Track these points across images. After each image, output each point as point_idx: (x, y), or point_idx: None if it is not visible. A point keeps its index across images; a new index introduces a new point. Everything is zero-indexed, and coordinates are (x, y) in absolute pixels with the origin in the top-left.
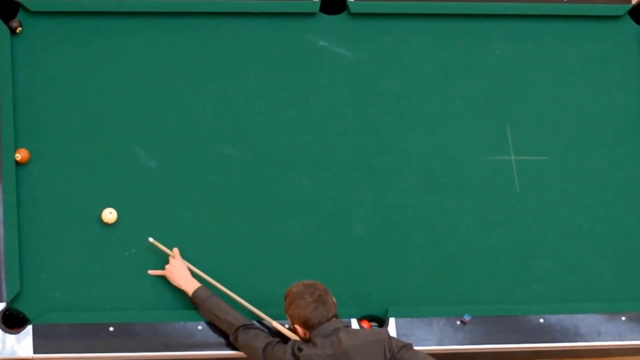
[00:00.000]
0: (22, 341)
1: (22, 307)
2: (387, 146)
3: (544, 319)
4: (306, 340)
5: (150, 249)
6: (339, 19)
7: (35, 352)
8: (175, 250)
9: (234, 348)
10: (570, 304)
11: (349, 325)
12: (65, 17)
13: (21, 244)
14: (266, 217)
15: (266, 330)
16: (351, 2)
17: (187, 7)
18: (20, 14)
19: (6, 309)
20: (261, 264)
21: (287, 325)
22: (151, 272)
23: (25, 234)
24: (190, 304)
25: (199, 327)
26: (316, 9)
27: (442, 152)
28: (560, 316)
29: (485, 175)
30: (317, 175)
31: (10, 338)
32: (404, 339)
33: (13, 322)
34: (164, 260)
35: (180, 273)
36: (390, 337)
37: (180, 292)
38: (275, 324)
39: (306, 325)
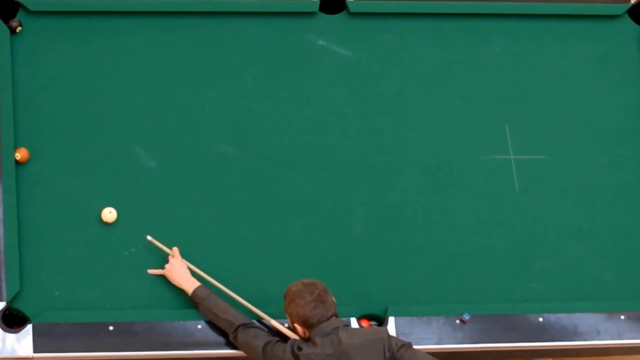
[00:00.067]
0: (22, 340)
1: (22, 306)
2: (386, 145)
3: (543, 318)
4: (306, 339)
5: (150, 249)
6: (339, 19)
7: (35, 351)
8: (175, 249)
9: (233, 347)
10: (570, 303)
11: (348, 324)
12: (65, 17)
13: (21, 244)
14: (266, 217)
15: (266, 329)
16: (350, 1)
17: (186, 6)
18: (20, 14)
19: (6, 308)
20: (261, 263)
21: (286, 324)
22: (151, 271)
23: (25, 234)
24: (190, 303)
25: (199, 326)
26: (315, 8)
27: (441, 152)
28: (560, 315)
29: (484, 174)
30: (316, 174)
31: (10, 337)
32: (403, 338)
33: (13, 321)
34: (163, 260)
35: (180, 272)
36: (389, 336)
37: (180, 291)
38: (275, 323)
39: (306, 324)
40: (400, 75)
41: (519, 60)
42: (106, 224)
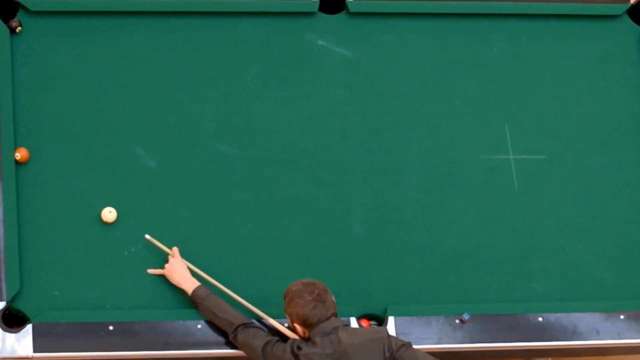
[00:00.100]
0: (22, 340)
1: (21, 306)
2: (386, 145)
3: (542, 317)
4: (305, 339)
5: (150, 248)
6: (338, 19)
7: (35, 351)
8: (175, 249)
9: (233, 347)
10: (569, 302)
11: (348, 324)
12: (64, 17)
13: (21, 243)
14: (265, 216)
15: (265, 329)
16: (350, 1)
17: (186, 6)
18: (20, 14)
19: (6, 308)
20: (260, 263)
21: (286, 324)
22: (150, 271)
23: (25, 233)
24: (190, 302)
25: (199, 326)
26: (315, 8)
27: (441, 151)
28: (559, 315)
29: (484, 174)
30: (316, 174)
31: (10, 337)
32: (403, 338)
33: (13, 321)
34: (163, 260)
35: (180, 272)
36: (389, 336)
37: (180, 291)
38: (275, 323)
39: (305, 323)
40: (400, 75)
41: (519, 60)
42: (106, 223)
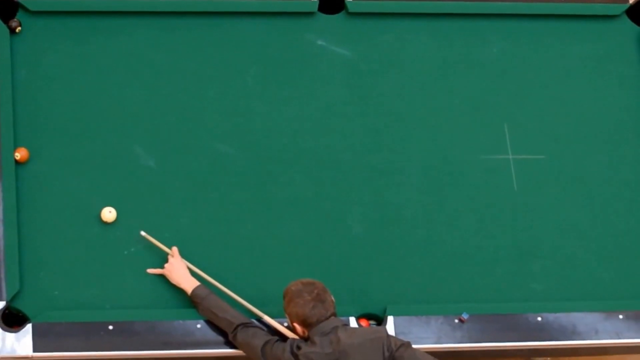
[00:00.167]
0: (22, 340)
1: (21, 305)
2: (385, 145)
3: (541, 317)
4: (305, 339)
5: (150, 248)
6: (338, 19)
7: (34, 350)
8: (174, 249)
9: (232, 346)
10: (568, 302)
11: (347, 324)
12: (64, 17)
13: (21, 243)
14: (265, 216)
15: (265, 329)
16: (349, 1)
17: (186, 6)
18: (20, 14)
19: (6, 308)
20: (260, 263)
21: (285, 324)
22: (150, 270)
23: (24, 233)
24: (189, 302)
25: (198, 326)
26: (314, 8)
27: (440, 151)
28: (558, 314)
29: (483, 174)
30: (316, 174)
31: (10, 337)
32: (402, 337)
33: (13, 320)
34: (163, 259)
35: (179, 272)
36: (388, 336)
37: (179, 291)
38: (274, 323)
39: (305, 323)
40: (399, 75)
41: (518, 60)
42: (106, 223)
